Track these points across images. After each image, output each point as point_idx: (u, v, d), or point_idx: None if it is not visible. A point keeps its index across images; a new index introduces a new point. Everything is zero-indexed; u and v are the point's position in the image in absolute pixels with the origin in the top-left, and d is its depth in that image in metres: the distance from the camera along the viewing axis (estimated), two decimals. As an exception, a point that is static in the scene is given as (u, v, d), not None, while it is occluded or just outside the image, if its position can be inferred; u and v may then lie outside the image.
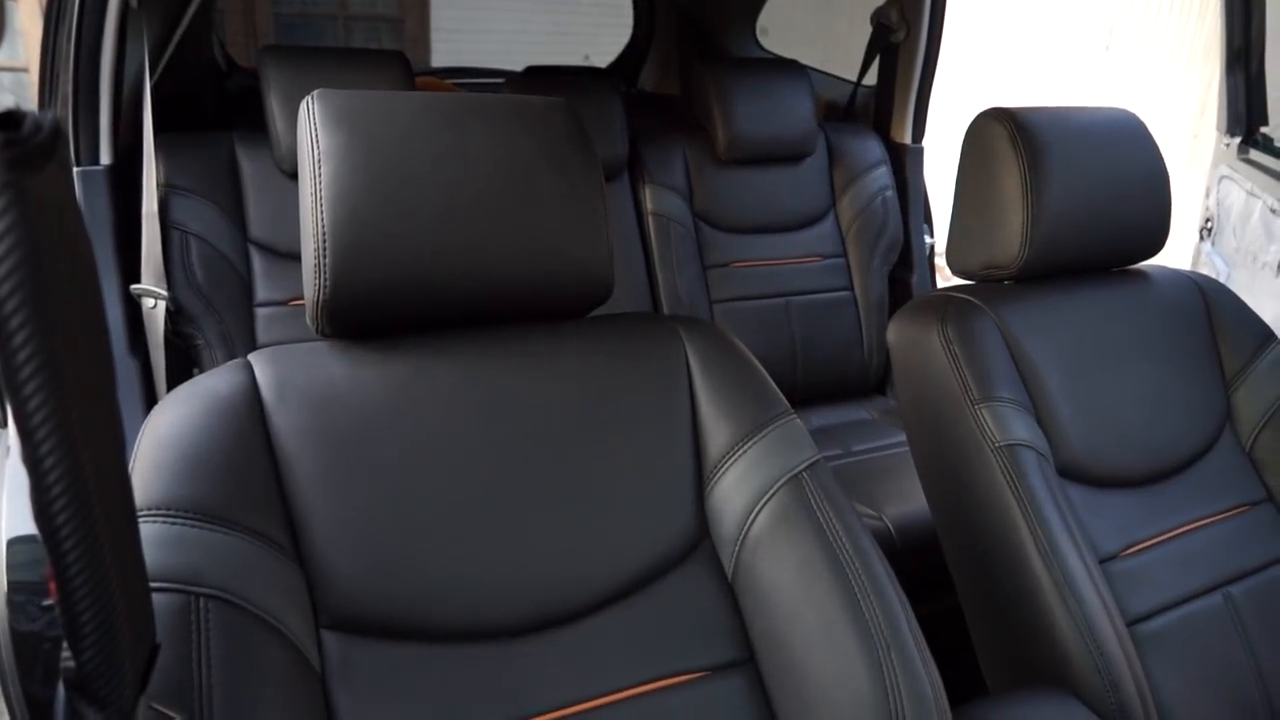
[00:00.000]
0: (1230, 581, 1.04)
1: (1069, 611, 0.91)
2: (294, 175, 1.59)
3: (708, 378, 0.81)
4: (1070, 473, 1.02)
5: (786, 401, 0.83)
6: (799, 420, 0.82)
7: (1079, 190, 1.06)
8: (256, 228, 1.58)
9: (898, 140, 2.16)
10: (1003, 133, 1.06)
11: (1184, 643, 0.98)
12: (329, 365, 0.73)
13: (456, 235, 0.72)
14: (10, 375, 0.35)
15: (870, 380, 2.08)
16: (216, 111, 2.01)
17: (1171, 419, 1.10)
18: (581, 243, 0.77)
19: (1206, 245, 2.08)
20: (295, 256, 1.58)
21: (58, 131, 0.36)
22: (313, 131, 0.70)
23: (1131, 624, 0.96)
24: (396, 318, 0.74)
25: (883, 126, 2.19)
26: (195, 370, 1.52)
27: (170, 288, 1.45)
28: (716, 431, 0.80)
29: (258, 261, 1.57)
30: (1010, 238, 1.05)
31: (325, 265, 0.69)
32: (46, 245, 0.35)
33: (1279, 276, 1.81)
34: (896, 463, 1.69)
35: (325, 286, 0.69)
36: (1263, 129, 1.92)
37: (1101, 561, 0.98)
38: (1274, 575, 1.07)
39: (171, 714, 0.53)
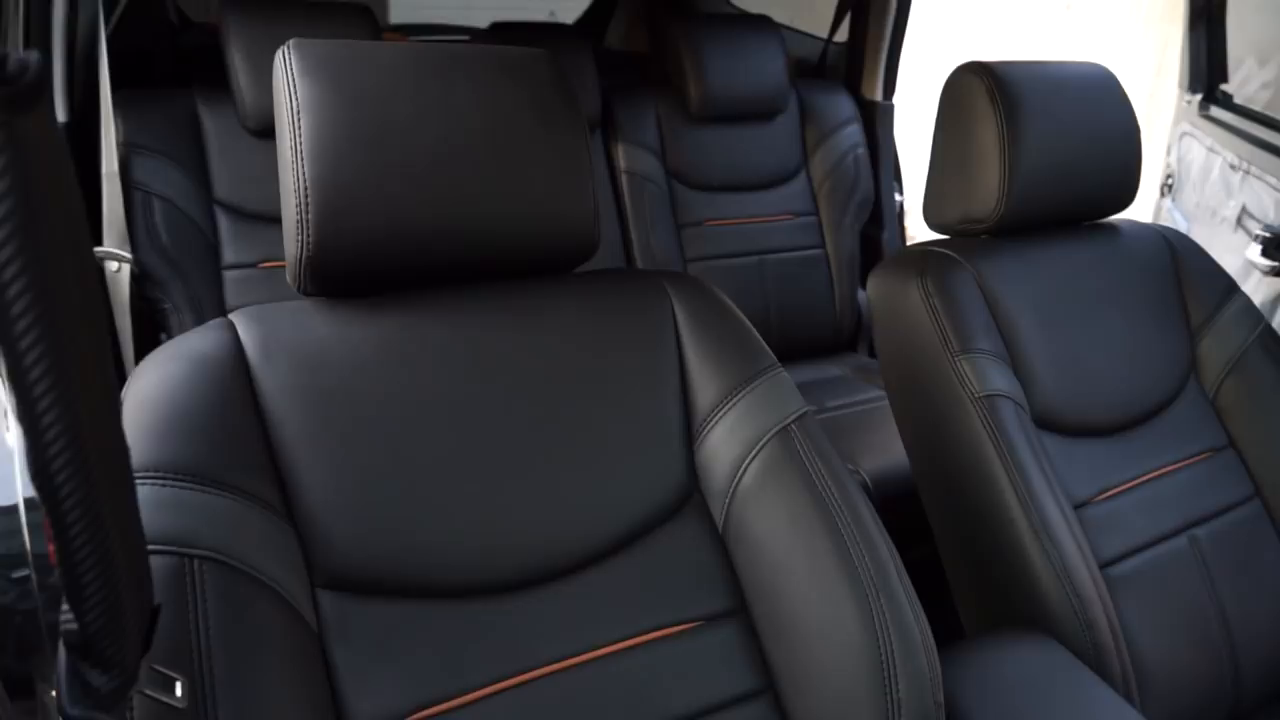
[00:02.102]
0: (1195, 524, 1.08)
1: (1046, 556, 0.93)
2: (259, 133, 1.54)
3: (695, 332, 0.81)
4: (1045, 422, 1.04)
5: (773, 355, 0.84)
6: (786, 373, 0.83)
7: (1055, 143, 1.07)
8: (221, 188, 1.54)
9: (869, 97, 2.16)
10: (980, 86, 1.06)
11: (1152, 583, 1.02)
12: (314, 323, 0.71)
13: (441, 188, 0.70)
14: (6, 326, 0.34)
15: (842, 337, 2.10)
16: (171, 69, 1.94)
17: (1141, 369, 1.13)
18: (566, 196, 0.76)
19: (1167, 201, 2.12)
20: (263, 218, 1.54)
21: (44, 71, 0.35)
22: (290, 83, 0.68)
23: (1104, 566, 0.99)
24: (381, 274, 0.72)
25: (854, 84, 2.18)
26: (163, 335, 1.48)
27: (134, 250, 1.41)
28: (705, 385, 0.80)
29: (224, 223, 1.53)
30: (987, 191, 1.06)
31: (308, 221, 0.67)
32: (39, 189, 0.34)
33: (1238, 231, 1.85)
34: (871, 417, 1.71)
35: (308, 243, 0.67)
36: (1223, 86, 1.95)
37: (1076, 507, 1.01)
38: (1235, 518, 1.11)
39: (173, 675, 0.52)
